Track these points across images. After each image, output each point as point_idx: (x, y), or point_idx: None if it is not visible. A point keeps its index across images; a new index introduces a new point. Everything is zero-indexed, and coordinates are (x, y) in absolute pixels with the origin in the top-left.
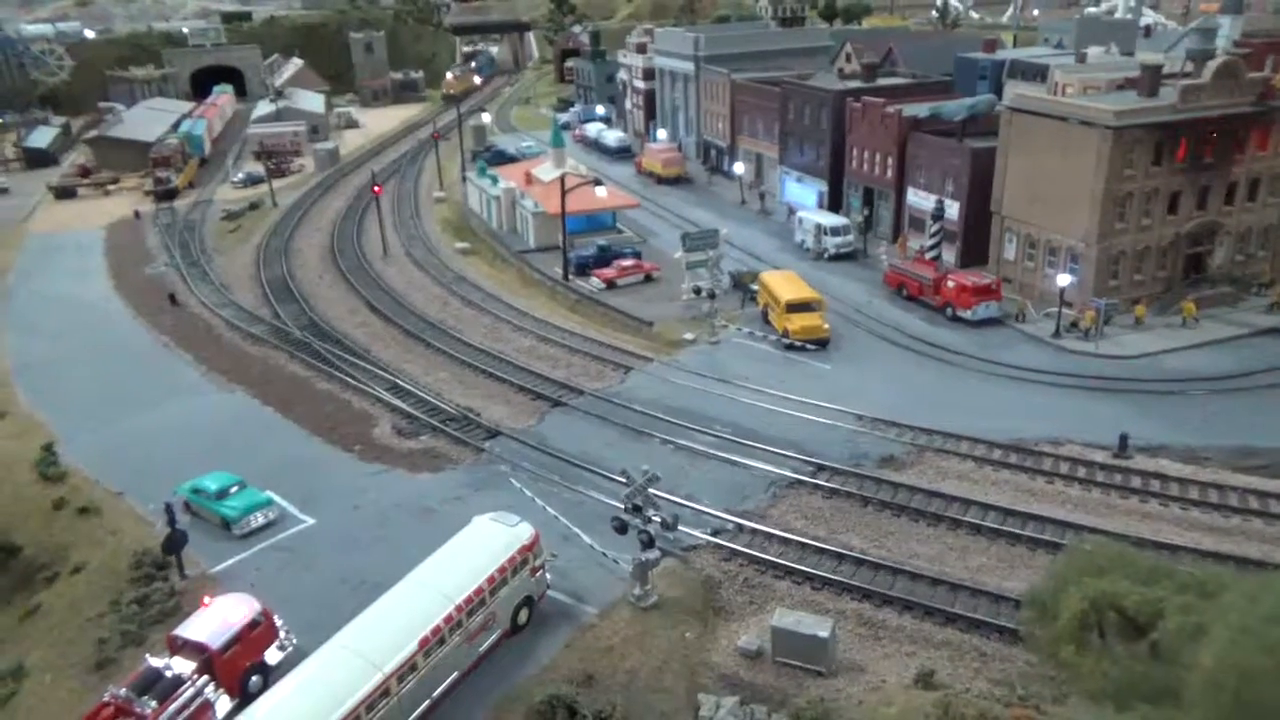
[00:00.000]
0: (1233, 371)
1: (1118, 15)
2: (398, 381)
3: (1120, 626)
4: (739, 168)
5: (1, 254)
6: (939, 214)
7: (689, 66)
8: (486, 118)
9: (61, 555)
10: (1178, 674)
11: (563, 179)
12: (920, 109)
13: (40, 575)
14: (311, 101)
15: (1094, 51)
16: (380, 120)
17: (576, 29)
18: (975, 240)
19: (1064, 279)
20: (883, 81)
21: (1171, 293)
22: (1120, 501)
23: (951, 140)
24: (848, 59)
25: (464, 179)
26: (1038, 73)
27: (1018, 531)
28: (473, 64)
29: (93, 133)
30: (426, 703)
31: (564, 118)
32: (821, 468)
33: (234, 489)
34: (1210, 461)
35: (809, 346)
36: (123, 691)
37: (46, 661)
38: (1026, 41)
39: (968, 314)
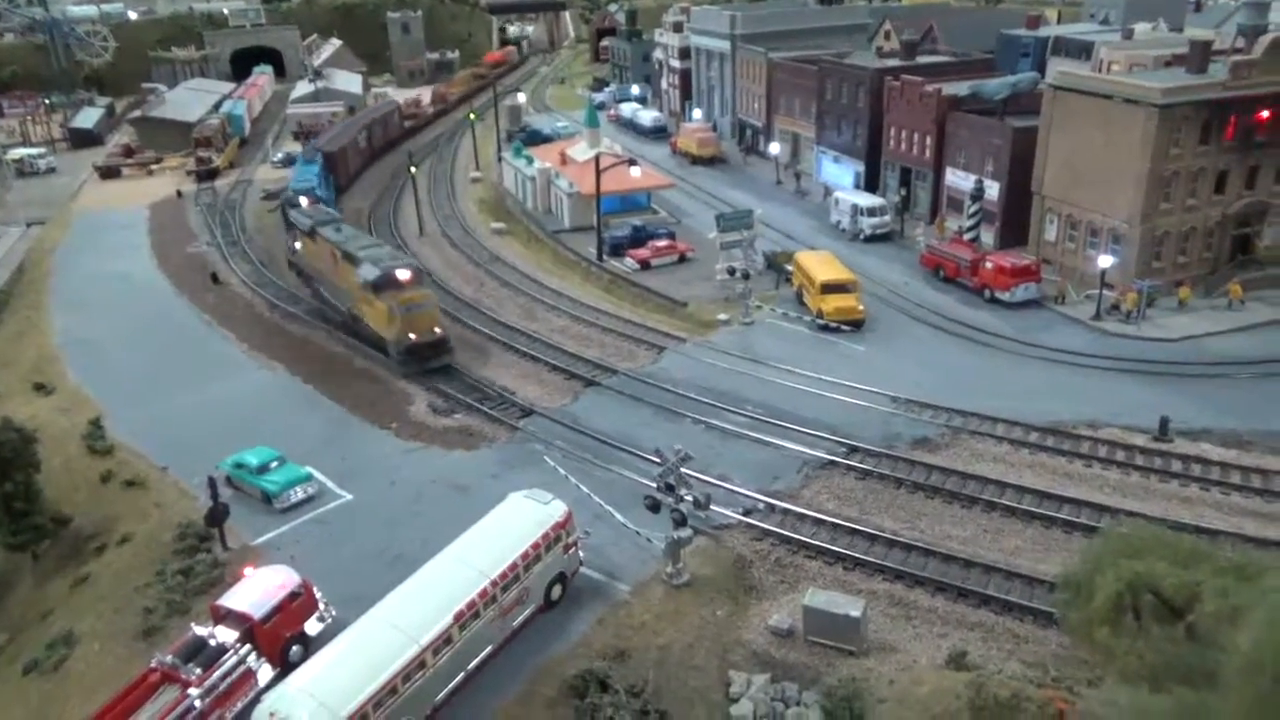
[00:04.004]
0: (1279, 355)
1: None
2: None
3: (1156, 609)
4: (775, 148)
5: (50, 232)
6: (978, 194)
7: (725, 45)
8: (521, 98)
9: (109, 526)
10: (1214, 657)
11: (597, 159)
12: (960, 87)
13: (89, 546)
14: (349, 82)
15: (1141, 28)
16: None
17: (612, 8)
18: (1014, 221)
19: (1106, 260)
20: (922, 59)
21: (1217, 274)
22: (1160, 485)
23: (992, 119)
24: (886, 37)
25: (499, 159)
26: (1082, 50)
27: (1054, 514)
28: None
29: (136, 113)
30: (461, 675)
31: (599, 97)
32: (855, 449)
33: (274, 464)
34: (1254, 446)
35: (844, 328)
36: (168, 659)
37: (95, 629)
38: (1071, 17)
39: (1006, 296)
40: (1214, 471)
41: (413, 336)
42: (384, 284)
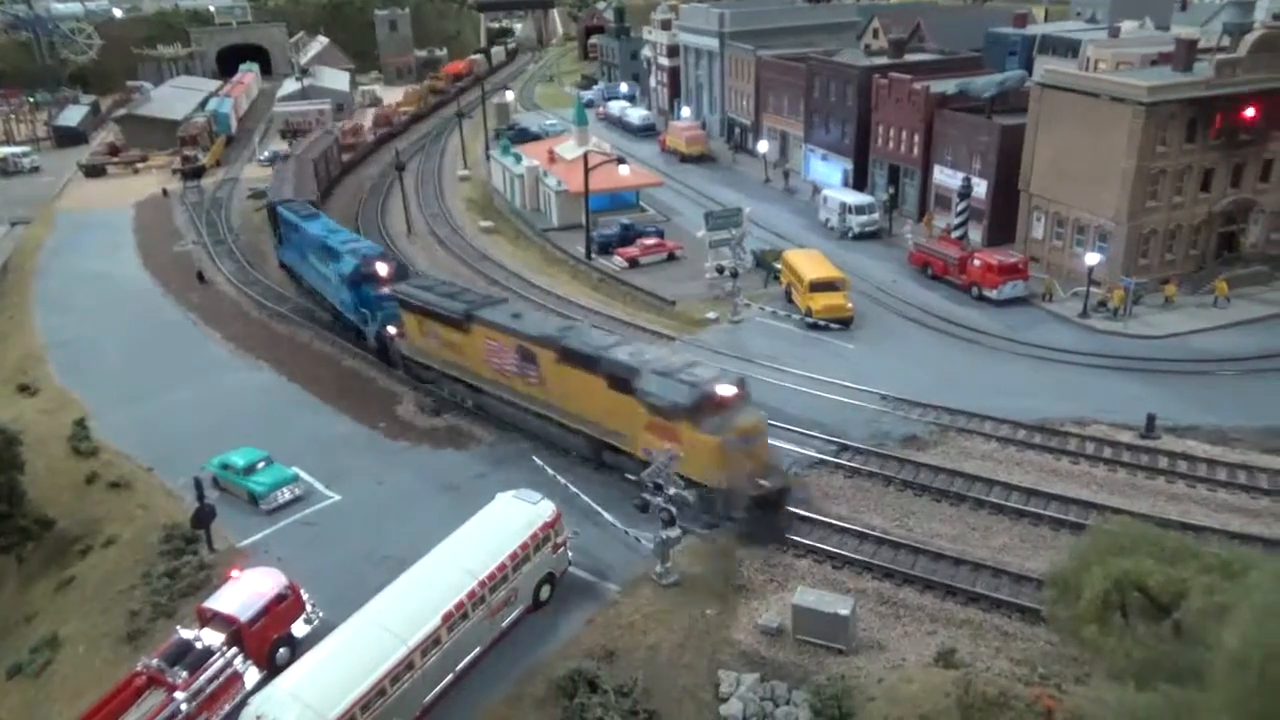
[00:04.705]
0: (1264, 352)
1: None
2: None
3: (1143, 606)
4: (763, 145)
5: (34, 231)
6: (965, 192)
7: (714, 43)
8: (510, 96)
9: (94, 528)
10: (1201, 653)
11: (586, 157)
12: (948, 86)
13: (74, 548)
14: (337, 80)
15: (1128, 26)
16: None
17: (601, 5)
18: (1002, 218)
19: (1093, 258)
20: (910, 57)
21: (1203, 272)
22: (1147, 482)
23: (980, 117)
24: (875, 35)
25: (487, 157)
26: (1069, 48)
27: (1041, 512)
28: None
29: (121, 111)
30: (450, 676)
31: (588, 95)
32: (844, 447)
33: (261, 465)
34: (1240, 442)
35: (832, 326)
36: (154, 662)
37: (80, 632)
38: (1058, 16)
39: (993, 293)
40: (1200, 468)
41: (764, 484)
42: (702, 408)
